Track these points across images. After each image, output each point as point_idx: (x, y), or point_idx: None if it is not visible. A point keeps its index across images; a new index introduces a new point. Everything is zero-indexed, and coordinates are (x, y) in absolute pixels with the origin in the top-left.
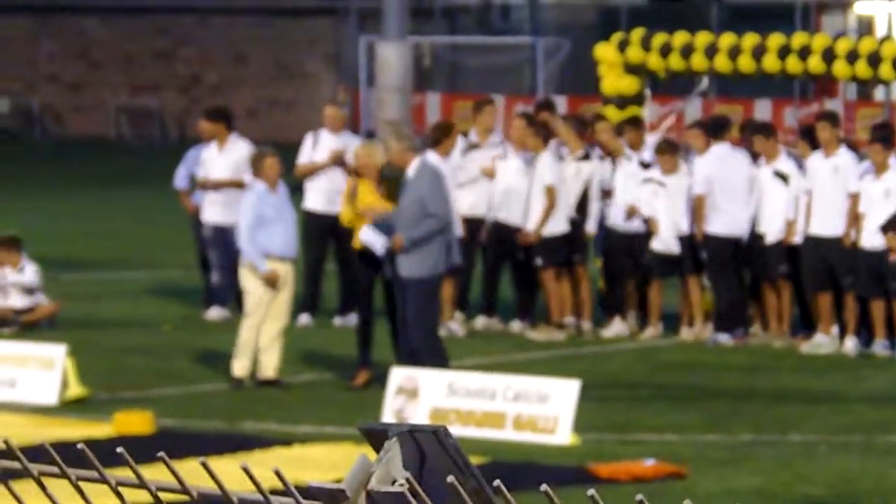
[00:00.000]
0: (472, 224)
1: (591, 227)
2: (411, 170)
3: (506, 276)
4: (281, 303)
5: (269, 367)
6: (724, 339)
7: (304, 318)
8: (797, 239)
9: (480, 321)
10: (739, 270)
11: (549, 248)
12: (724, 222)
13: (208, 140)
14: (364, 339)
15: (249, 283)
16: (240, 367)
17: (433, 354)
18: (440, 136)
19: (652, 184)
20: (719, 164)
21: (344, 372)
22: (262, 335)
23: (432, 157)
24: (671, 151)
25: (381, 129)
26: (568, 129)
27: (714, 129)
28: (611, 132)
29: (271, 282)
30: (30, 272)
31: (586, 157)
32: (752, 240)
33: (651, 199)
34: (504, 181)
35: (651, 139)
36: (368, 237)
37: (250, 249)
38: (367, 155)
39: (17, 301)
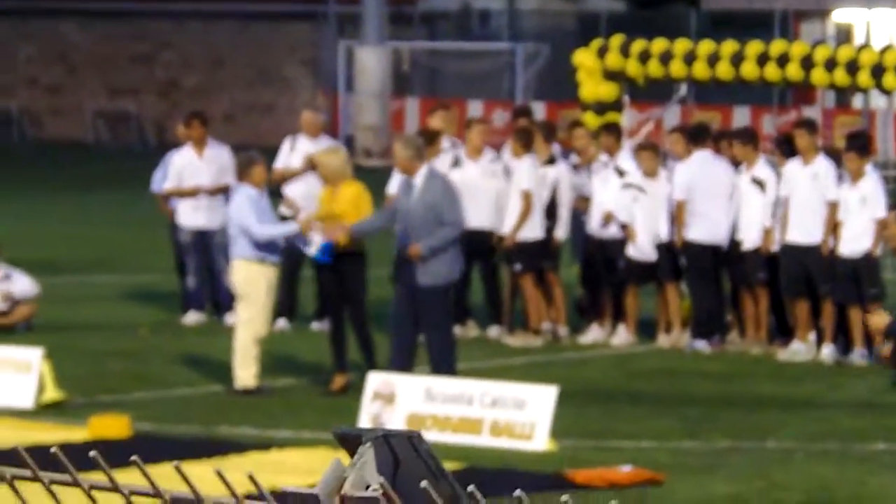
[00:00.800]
0: None
1: (560, 233)
2: (419, 177)
3: (478, 281)
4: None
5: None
6: (702, 345)
7: (282, 323)
8: (774, 246)
9: (456, 329)
10: (719, 277)
11: (527, 253)
12: (705, 229)
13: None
14: (338, 343)
15: (253, 287)
16: (250, 376)
17: (448, 361)
18: (426, 142)
19: (632, 189)
20: (700, 170)
21: (321, 377)
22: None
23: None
24: (652, 150)
25: (361, 135)
26: (537, 134)
27: (695, 135)
28: (587, 138)
29: (307, 226)
30: (23, 283)
31: (551, 161)
32: (731, 246)
33: (630, 205)
34: (464, 187)
35: (628, 145)
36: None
37: (275, 231)
38: (327, 160)
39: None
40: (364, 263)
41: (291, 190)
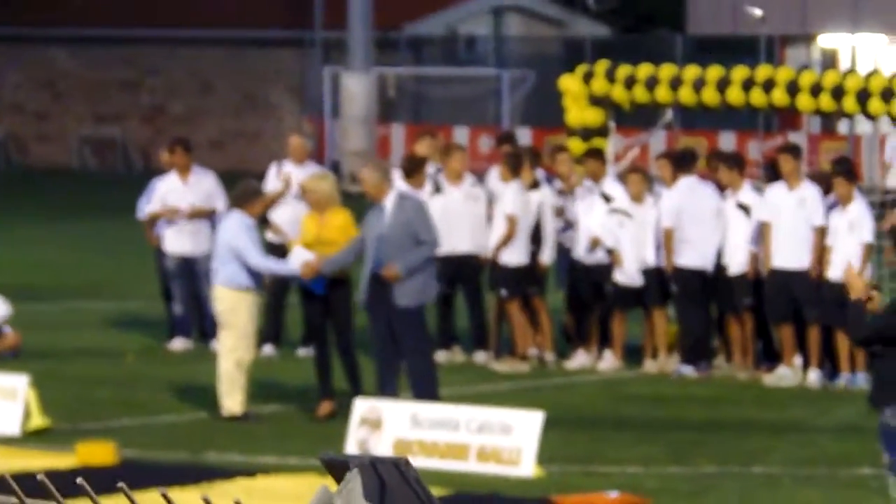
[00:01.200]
0: None
1: (546, 257)
2: (388, 201)
3: (463, 306)
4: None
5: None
6: (689, 371)
7: (268, 349)
8: (761, 271)
9: (441, 354)
10: (707, 303)
11: (513, 278)
12: (693, 254)
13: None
14: (323, 370)
15: (238, 316)
16: (236, 403)
17: (430, 383)
18: (412, 169)
19: (618, 214)
20: (687, 196)
21: (308, 403)
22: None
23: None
24: (640, 174)
25: (347, 160)
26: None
27: (681, 161)
28: (570, 164)
29: (309, 269)
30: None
31: (535, 185)
32: (717, 271)
33: (616, 230)
34: (446, 212)
35: (613, 171)
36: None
37: (274, 266)
38: (317, 186)
39: None
40: (349, 290)
41: (278, 216)
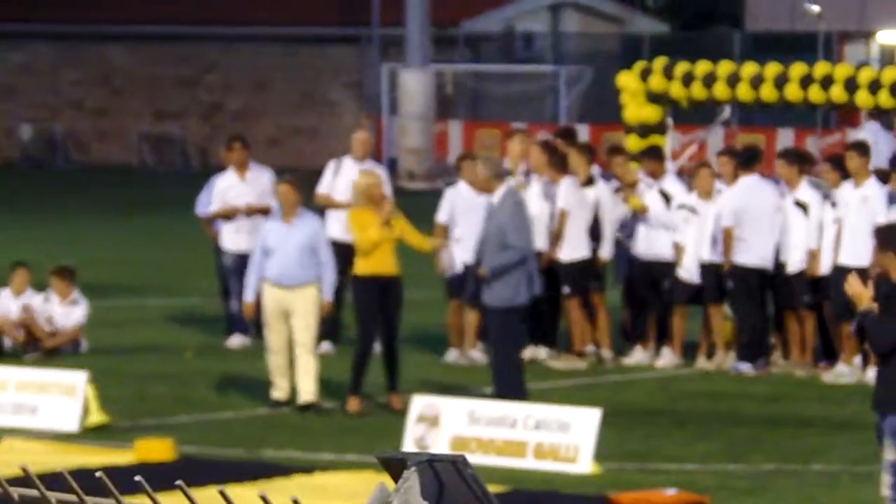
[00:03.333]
0: None
1: (605, 253)
2: (496, 197)
3: None
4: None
5: (304, 391)
6: (746, 368)
7: (326, 346)
8: (824, 269)
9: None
10: (764, 301)
11: (574, 275)
12: (752, 253)
13: None
14: (360, 366)
15: (316, 307)
16: (274, 390)
17: (511, 384)
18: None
19: (684, 210)
20: (747, 195)
21: (365, 399)
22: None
23: (462, 185)
24: (709, 168)
25: (405, 157)
26: (576, 155)
27: (744, 160)
28: (625, 165)
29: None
30: (80, 312)
31: (590, 181)
32: (776, 269)
33: (682, 226)
34: None
35: (672, 168)
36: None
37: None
38: (365, 183)
39: (47, 327)
40: (401, 287)
41: (335, 214)
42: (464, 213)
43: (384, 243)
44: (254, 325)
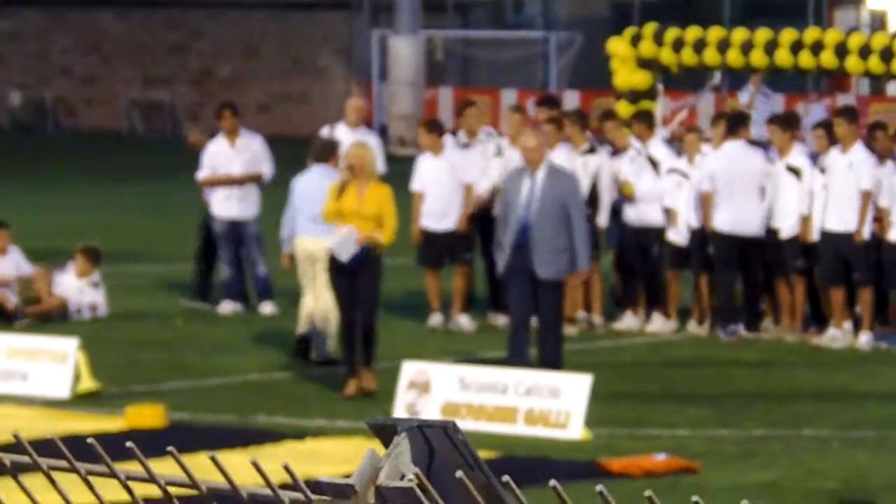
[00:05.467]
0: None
1: (602, 220)
2: (541, 170)
3: None
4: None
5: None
6: (724, 333)
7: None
8: (815, 235)
9: (493, 317)
10: (752, 267)
11: None
12: (730, 220)
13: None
14: (348, 346)
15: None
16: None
17: (559, 352)
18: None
19: (676, 174)
20: (728, 161)
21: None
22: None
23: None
24: (699, 133)
25: (395, 124)
26: (571, 123)
27: (731, 124)
28: (618, 129)
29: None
30: (96, 295)
31: (592, 150)
32: (767, 235)
33: (674, 191)
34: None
35: (662, 133)
36: (335, 244)
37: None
38: (358, 155)
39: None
40: (380, 266)
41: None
42: (433, 181)
43: (354, 218)
44: (240, 295)
